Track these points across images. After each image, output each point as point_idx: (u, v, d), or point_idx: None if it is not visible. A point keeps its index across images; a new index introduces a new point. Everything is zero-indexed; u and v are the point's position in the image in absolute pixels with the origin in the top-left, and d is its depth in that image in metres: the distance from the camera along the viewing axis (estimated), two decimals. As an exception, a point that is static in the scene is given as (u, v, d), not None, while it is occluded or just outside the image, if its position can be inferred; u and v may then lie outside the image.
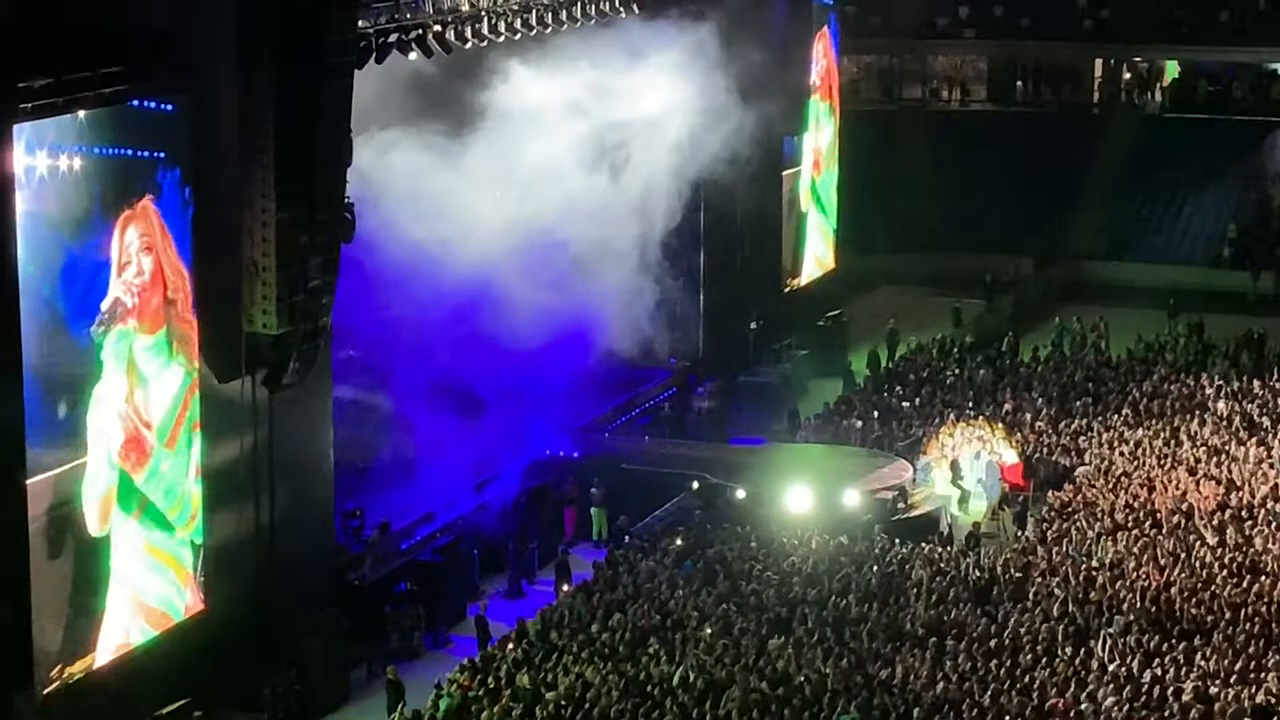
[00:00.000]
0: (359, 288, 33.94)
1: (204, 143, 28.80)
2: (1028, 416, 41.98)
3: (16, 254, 25.30)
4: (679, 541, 34.99)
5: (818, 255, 54.09)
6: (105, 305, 27.63)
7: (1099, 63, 67.31)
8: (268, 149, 29.21)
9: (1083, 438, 40.49)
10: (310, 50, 29.31)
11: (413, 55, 34.49)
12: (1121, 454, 39.16)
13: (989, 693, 27.96)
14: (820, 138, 53.75)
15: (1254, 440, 39.68)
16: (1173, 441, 39.81)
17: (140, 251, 28.23)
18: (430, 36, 34.45)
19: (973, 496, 38.53)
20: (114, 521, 27.96)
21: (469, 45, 35.84)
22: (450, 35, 35.05)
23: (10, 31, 24.87)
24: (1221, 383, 43.90)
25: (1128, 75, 67.64)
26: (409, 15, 33.74)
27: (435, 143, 37.24)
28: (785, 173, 51.28)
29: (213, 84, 28.74)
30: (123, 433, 28.03)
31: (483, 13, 35.97)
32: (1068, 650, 29.56)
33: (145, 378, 28.51)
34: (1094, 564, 33.19)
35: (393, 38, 33.28)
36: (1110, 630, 30.14)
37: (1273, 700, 27.53)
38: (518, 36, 37.41)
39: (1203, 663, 29.00)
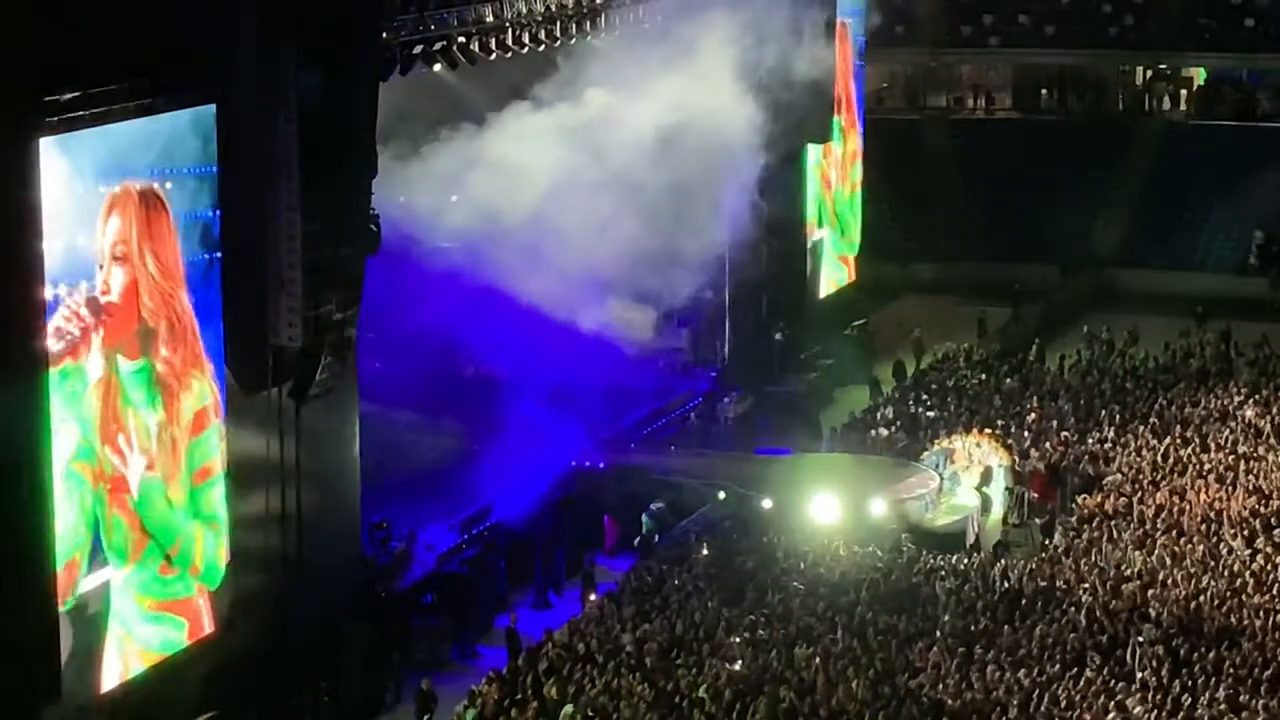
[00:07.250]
0: (385, 298, 33.93)
1: (230, 155, 28.82)
2: (1055, 425, 41.84)
3: (44, 266, 25.22)
4: (705, 551, 34.95)
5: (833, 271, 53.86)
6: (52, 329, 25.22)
7: (1124, 70, 67.15)
8: (293, 161, 29.25)
9: (1110, 446, 40.33)
10: (335, 62, 29.38)
11: (437, 67, 34.53)
12: (1150, 462, 39.00)
13: (1017, 703, 27.88)
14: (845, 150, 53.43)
15: (1283, 448, 39.58)
16: (1201, 449, 39.64)
17: (113, 260, 26.57)
18: (455, 48, 34.49)
19: (997, 505, 38.44)
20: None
21: (494, 57, 35.85)
22: (475, 46, 35.08)
23: (36, 44, 24.87)
24: (1250, 390, 43.73)
25: (1153, 82, 67.46)
26: (433, 26, 33.77)
27: (463, 147, 37.25)
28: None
29: (238, 96, 28.75)
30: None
31: (507, 24, 35.97)
32: (1097, 659, 29.46)
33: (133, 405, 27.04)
34: (1123, 572, 33.07)
35: (417, 49, 33.32)
36: (1139, 639, 30.02)
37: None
38: (541, 48, 37.39)
39: (1233, 671, 28.89)
